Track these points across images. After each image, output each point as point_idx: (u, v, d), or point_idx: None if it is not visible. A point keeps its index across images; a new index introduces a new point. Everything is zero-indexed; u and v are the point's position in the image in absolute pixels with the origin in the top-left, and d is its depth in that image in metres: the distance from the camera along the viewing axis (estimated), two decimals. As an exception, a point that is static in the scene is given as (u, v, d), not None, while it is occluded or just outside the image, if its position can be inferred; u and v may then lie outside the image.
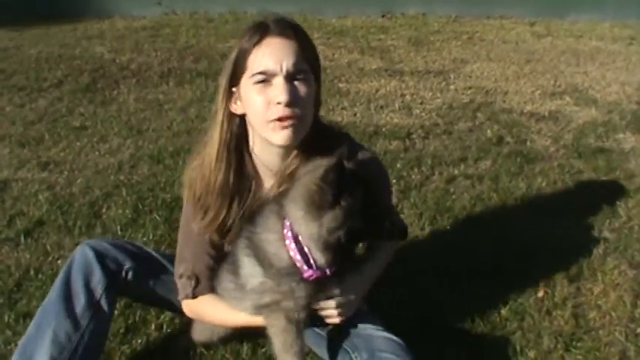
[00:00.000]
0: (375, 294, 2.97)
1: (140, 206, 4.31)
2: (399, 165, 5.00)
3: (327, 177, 2.17)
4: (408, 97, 6.71)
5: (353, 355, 2.55)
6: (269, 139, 2.45)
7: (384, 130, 5.73)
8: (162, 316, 3.24)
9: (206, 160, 2.58)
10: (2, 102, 6.55)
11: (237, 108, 2.52)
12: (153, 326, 3.20)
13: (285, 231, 2.31)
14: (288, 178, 2.52)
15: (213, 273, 2.68)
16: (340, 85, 7.11)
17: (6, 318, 3.24)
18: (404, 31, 9.80)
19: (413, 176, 4.84)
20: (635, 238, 4.03)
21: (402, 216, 4.19)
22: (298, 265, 2.30)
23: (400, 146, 5.41)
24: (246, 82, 2.44)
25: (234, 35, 8.62)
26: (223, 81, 2.52)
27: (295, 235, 2.29)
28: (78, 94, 6.74)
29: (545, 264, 3.74)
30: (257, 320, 2.51)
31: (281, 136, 2.41)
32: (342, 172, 2.18)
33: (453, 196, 4.55)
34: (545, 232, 4.08)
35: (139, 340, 3.11)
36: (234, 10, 10.85)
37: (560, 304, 3.41)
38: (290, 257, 2.31)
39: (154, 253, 2.94)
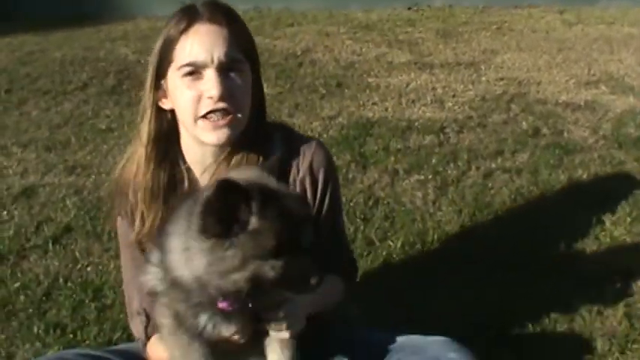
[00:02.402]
0: (414, 291, 2.89)
1: (170, 210, 4.20)
2: (434, 160, 4.87)
3: (209, 200, 1.67)
4: (439, 91, 6.56)
5: None
6: (199, 137, 2.18)
7: (416, 124, 5.59)
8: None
9: (135, 160, 2.27)
10: (28, 106, 6.48)
11: (165, 102, 2.22)
12: None
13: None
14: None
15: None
16: (369, 79, 6.96)
17: (35, 329, 3.16)
18: (431, 23, 9.62)
19: (449, 171, 4.70)
20: (686, 231, 3.87)
21: (440, 213, 4.09)
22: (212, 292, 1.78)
23: (434, 141, 5.27)
24: (174, 75, 2.15)
25: (259, 33, 8.50)
26: (149, 73, 2.23)
27: None
28: (103, 97, 6.65)
29: (592, 260, 3.62)
30: None
31: (214, 135, 2.15)
32: (233, 196, 1.65)
33: (492, 191, 4.42)
34: (590, 226, 3.94)
35: None
36: (258, 6, 10.72)
37: (611, 303, 3.26)
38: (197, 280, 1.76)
39: (98, 352, 2.39)
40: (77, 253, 3.80)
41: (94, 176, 4.80)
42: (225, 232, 1.67)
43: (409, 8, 10.68)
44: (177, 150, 2.30)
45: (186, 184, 2.30)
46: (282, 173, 2.12)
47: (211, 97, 2.10)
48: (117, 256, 3.63)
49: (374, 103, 6.22)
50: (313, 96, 6.26)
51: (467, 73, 7.16)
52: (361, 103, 6.21)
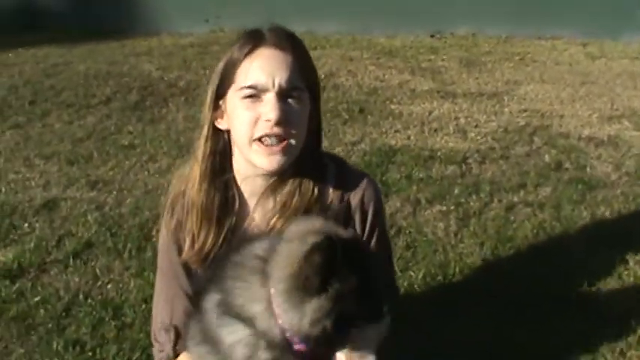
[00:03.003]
0: (434, 321, 2.86)
1: (191, 229, 4.19)
2: (456, 191, 4.85)
3: (312, 259, 1.76)
4: (462, 120, 6.54)
5: None
6: (253, 161, 2.19)
7: (439, 154, 5.57)
8: None
9: (190, 180, 2.31)
10: (51, 119, 6.53)
11: (221, 122, 2.26)
12: None
13: (274, 306, 1.86)
14: (273, 204, 2.25)
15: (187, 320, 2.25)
16: (392, 106, 6.95)
17: (55, 345, 3.16)
18: (454, 51, 9.62)
19: (471, 203, 4.69)
20: None
21: (462, 245, 4.08)
22: (288, 335, 1.86)
23: (457, 171, 5.25)
24: (233, 96, 2.19)
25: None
26: (209, 93, 2.26)
27: None
28: (126, 112, 6.68)
29: (615, 299, 3.58)
30: None
31: (267, 160, 2.16)
32: (332, 253, 1.75)
33: (514, 225, 4.39)
34: (613, 265, 3.90)
35: None
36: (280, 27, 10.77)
37: (635, 344, 3.23)
38: (281, 331, 1.86)
39: None
40: (98, 270, 3.79)
41: (115, 192, 4.81)
42: (324, 287, 1.76)
43: (432, 36, 10.68)
44: (230, 171, 2.32)
45: (237, 206, 2.32)
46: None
47: (269, 120, 2.11)
48: (137, 275, 3.69)
49: (396, 131, 6.21)
50: (336, 121, 6.26)
51: (490, 104, 7.14)
52: (384, 130, 6.20)
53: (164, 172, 5.14)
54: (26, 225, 4.32)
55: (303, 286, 1.77)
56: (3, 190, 4.87)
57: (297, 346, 1.87)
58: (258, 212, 2.31)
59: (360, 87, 7.62)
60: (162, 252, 2.45)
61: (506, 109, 6.98)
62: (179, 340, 2.32)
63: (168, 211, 2.38)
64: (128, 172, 5.19)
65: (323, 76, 7.93)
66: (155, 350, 2.42)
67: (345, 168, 2.41)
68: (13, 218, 4.40)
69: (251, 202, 2.33)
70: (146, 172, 5.16)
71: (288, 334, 1.84)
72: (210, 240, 2.27)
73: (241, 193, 2.33)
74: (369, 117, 6.54)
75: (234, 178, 2.32)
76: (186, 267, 2.36)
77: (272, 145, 2.14)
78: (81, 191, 4.84)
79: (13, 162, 5.43)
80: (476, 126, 6.39)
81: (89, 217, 4.39)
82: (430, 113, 6.77)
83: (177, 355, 2.32)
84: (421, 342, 3.03)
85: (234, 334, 1.94)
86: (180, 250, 2.34)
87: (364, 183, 2.34)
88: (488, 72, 8.53)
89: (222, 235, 2.29)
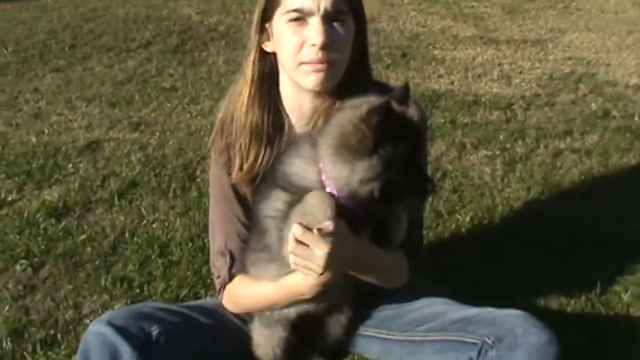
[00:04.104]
0: (481, 264, 2.82)
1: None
2: (502, 136, 4.77)
3: (369, 119, 1.87)
4: (506, 67, 6.43)
5: (484, 347, 2.11)
6: (299, 82, 2.25)
7: (483, 100, 5.48)
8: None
9: (239, 101, 2.34)
10: (92, 62, 6.51)
11: (268, 45, 2.30)
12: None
13: (322, 165, 2.00)
14: (320, 122, 2.27)
15: (244, 246, 2.37)
16: (435, 52, 6.87)
17: (103, 281, 3.15)
18: (496, -2, 9.45)
19: (517, 148, 4.61)
20: None
21: (509, 190, 4.03)
22: (328, 188, 1.98)
23: (502, 117, 5.17)
24: (279, 19, 2.22)
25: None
26: (255, 16, 2.31)
27: None
28: (167, 55, 6.64)
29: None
30: (296, 284, 2.14)
31: (312, 79, 2.21)
32: (389, 115, 1.86)
33: (561, 171, 4.32)
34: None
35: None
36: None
37: (686, 290, 3.16)
38: (319, 180, 1.99)
39: (174, 307, 2.47)
40: (143, 209, 3.79)
41: (158, 133, 4.80)
42: (376, 149, 1.87)
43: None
44: (278, 94, 2.37)
45: (286, 128, 2.37)
46: None
47: (314, 45, 2.15)
48: (183, 214, 3.69)
49: (439, 76, 6.13)
50: (378, 65, 6.16)
51: (534, 51, 7.01)
52: (427, 75, 6.12)
53: (206, 114, 5.10)
54: (70, 165, 4.32)
55: (357, 144, 1.88)
56: (46, 131, 4.87)
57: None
58: (304, 130, 2.33)
59: (402, 32, 7.52)
60: (213, 179, 2.49)
61: (550, 57, 6.85)
62: (234, 263, 2.37)
63: (217, 132, 2.42)
64: (170, 114, 5.17)
65: (364, 21, 7.83)
66: (214, 277, 2.47)
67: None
68: (57, 159, 4.40)
69: (298, 126, 2.36)
70: (188, 114, 5.13)
71: (328, 189, 1.97)
72: (259, 160, 2.32)
73: (289, 116, 2.37)
74: (411, 62, 6.46)
75: (280, 101, 2.37)
76: (237, 193, 2.40)
77: (317, 66, 2.19)
78: (123, 132, 4.83)
79: (55, 104, 5.44)
80: (520, 72, 6.29)
81: (133, 158, 4.38)
82: (473, 59, 6.68)
83: (231, 279, 2.38)
84: (465, 284, 2.98)
85: (274, 201, 2.08)
86: (229, 174, 2.38)
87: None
88: (531, 19, 8.37)
89: (272, 156, 2.32)
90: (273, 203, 2.10)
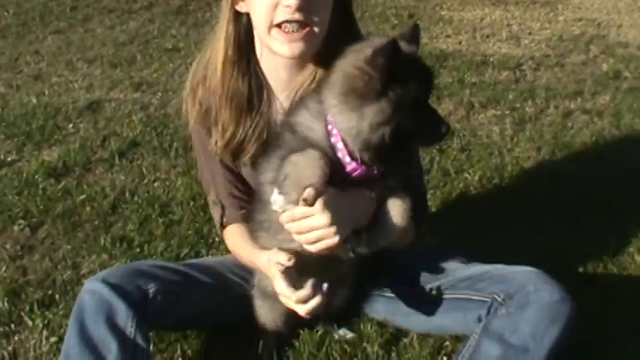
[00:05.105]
0: (489, 224, 2.81)
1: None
2: (511, 96, 4.68)
3: (375, 60, 1.74)
4: (514, 27, 6.33)
5: (493, 304, 2.07)
6: (273, 49, 2.07)
7: (492, 59, 5.40)
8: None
9: (211, 64, 2.18)
10: (93, 24, 6.44)
11: (242, 6, 2.11)
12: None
13: (329, 117, 1.88)
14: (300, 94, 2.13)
15: (238, 201, 2.34)
16: (442, 12, 6.77)
17: (102, 241, 3.09)
18: (504, -41, 9.30)
19: (527, 108, 4.52)
20: None
21: (518, 149, 3.94)
22: (340, 155, 1.87)
23: (511, 77, 5.08)
24: None
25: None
26: None
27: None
28: (169, 16, 6.56)
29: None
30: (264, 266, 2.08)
31: (287, 47, 2.03)
32: (397, 55, 1.73)
33: (572, 131, 4.23)
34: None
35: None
36: None
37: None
38: (327, 137, 1.89)
39: (172, 265, 2.42)
40: (144, 169, 3.72)
41: (160, 94, 4.73)
42: (384, 91, 1.76)
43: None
44: (255, 58, 2.20)
45: (264, 94, 2.21)
46: None
47: (288, 6, 1.96)
48: (184, 173, 3.63)
49: (447, 36, 6.05)
50: (385, 25, 6.09)
51: (543, 12, 6.90)
52: (434, 35, 6.04)
53: (210, 74, 4.99)
54: (70, 126, 4.25)
55: (364, 87, 1.77)
56: (46, 92, 4.81)
57: (349, 167, 1.89)
58: (286, 102, 2.20)
59: (409, -8, 7.41)
60: (194, 140, 2.42)
61: (560, 18, 6.74)
62: (225, 212, 2.36)
63: (189, 99, 2.28)
64: (172, 74, 5.09)
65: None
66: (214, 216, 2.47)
67: None
68: (57, 119, 4.33)
69: (277, 90, 2.22)
70: (191, 74, 5.05)
71: (339, 154, 1.87)
72: (240, 129, 2.19)
73: (267, 80, 2.22)
74: (418, 22, 6.29)
75: (259, 66, 2.21)
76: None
77: (292, 32, 2.01)
78: (125, 93, 4.76)
79: (55, 66, 5.37)
80: (529, 33, 6.18)
81: (134, 118, 4.30)
82: (482, 20, 6.58)
83: (223, 226, 2.39)
84: (473, 245, 2.90)
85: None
86: (210, 135, 2.27)
87: None
88: (541, -20, 8.23)
89: (254, 125, 2.20)
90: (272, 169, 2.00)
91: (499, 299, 2.05)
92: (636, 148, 4.07)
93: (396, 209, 1.99)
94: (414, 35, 1.91)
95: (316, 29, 2.03)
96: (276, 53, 2.08)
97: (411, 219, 2.00)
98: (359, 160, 1.87)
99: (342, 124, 1.84)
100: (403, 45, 1.81)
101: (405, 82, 1.78)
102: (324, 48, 2.08)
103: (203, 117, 2.26)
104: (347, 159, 1.87)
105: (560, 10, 6.99)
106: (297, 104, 2.05)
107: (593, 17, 6.77)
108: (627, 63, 5.44)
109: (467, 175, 3.61)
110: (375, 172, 1.91)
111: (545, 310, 1.97)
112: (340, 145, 1.86)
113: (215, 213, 2.41)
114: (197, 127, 2.32)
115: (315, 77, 2.13)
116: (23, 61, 5.47)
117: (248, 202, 2.29)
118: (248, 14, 2.11)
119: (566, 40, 6.02)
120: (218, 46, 2.16)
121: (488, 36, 6.07)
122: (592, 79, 5.08)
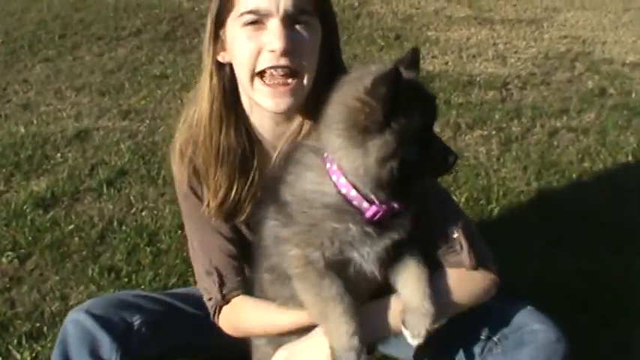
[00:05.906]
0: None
1: (225, 156, 4.10)
2: (497, 116, 4.71)
3: (376, 90, 1.61)
4: (500, 46, 6.38)
5: (488, 344, 2.02)
6: (257, 101, 1.94)
7: (478, 79, 5.44)
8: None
9: (197, 121, 2.03)
10: (81, 51, 6.44)
11: (224, 55, 1.97)
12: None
13: (328, 166, 1.75)
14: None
15: (238, 263, 2.11)
16: (429, 33, 6.82)
17: (90, 272, 3.09)
18: (490, -22, 9.37)
19: (513, 128, 4.55)
20: None
21: (505, 170, 3.96)
22: (356, 203, 1.73)
23: (497, 96, 5.12)
24: (233, 24, 1.89)
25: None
26: (208, 22, 1.98)
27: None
28: (157, 43, 6.59)
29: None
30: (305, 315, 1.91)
31: (272, 101, 1.89)
32: (399, 83, 1.60)
33: (558, 150, 4.26)
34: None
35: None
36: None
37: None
38: (338, 192, 1.74)
39: (157, 295, 2.35)
40: (132, 197, 3.73)
41: (148, 121, 4.74)
42: (387, 123, 1.64)
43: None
44: (243, 113, 2.06)
45: (257, 150, 2.07)
46: None
47: (273, 51, 1.84)
48: (172, 202, 3.61)
49: (434, 57, 6.09)
50: (372, 48, 6.12)
51: (529, 30, 6.97)
52: (421, 56, 6.00)
53: (197, 101, 5.01)
54: (59, 155, 4.25)
55: (365, 120, 1.64)
56: (35, 121, 4.80)
57: (368, 213, 1.75)
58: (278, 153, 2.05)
59: (395, 14, 7.46)
60: (182, 199, 2.20)
61: (546, 36, 6.80)
62: (224, 281, 2.10)
63: (177, 163, 2.12)
64: (161, 101, 5.11)
65: (357, 3, 7.76)
66: (205, 300, 2.16)
67: None
68: (46, 149, 4.34)
69: (269, 145, 2.08)
70: (179, 101, 5.05)
71: (355, 202, 1.74)
72: (234, 188, 2.04)
73: (259, 134, 2.08)
74: (405, 43, 6.38)
75: (247, 118, 2.06)
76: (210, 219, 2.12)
77: (277, 84, 1.88)
78: (113, 121, 4.77)
79: (44, 94, 5.37)
80: (515, 52, 6.23)
81: (122, 146, 4.31)
82: (468, 39, 6.63)
83: (227, 301, 2.10)
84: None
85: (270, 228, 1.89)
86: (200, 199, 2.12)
87: None
88: (526, -1, 8.30)
89: (248, 183, 2.05)
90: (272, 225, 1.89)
91: (494, 339, 2.02)
92: (622, 165, 4.10)
93: (410, 284, 1.88)
94: (413, 60, 1.79)
95: (304, 79, 1.91)
96: (261, 107, 1.96)
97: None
98: (376, 202, 1.74)
99: (348, 165, 1.70)
100: (403, 71, 1.67)
101: (408, 111, 1.65)
102: (312, 95, 1.94)
103: (193, 178, 2.11)
104: (364, 205, 1.74)
105: (546, 28, 7.06)
106: (293, 162, 1.87)
107: (578, 34, 6.84)
108: (612, 80, 5.49)
109: (454, 197, 3.62)
110: (397, 207, 1.78)
111: (540, 350, 1.94)
112: (353, 192, 1.73)
113: (209, 285, 2.12)
114: (187, 192, 2.14)
115: (301, 129, 2.01)
116: (12, 90, 5.47)
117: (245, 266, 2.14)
118: (231, 65, 1.99)
119: (552, 57, 6.07)
120: (203, 101, 2.02)
121: (474, 56, 6.11)
122: (577, 97, 5.13)
